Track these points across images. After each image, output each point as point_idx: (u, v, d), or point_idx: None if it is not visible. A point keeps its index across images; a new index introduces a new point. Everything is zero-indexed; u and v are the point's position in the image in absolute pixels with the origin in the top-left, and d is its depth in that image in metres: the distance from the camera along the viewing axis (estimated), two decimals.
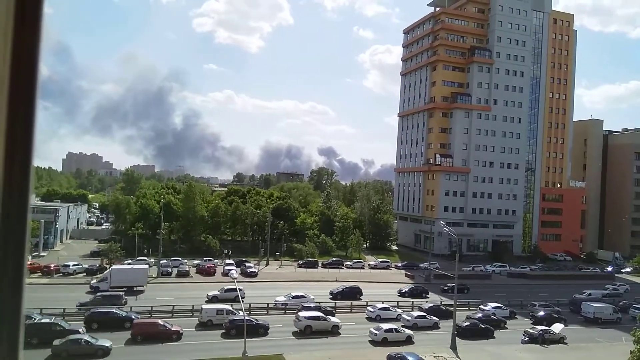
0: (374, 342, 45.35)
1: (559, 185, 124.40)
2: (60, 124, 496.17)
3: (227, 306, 49.85)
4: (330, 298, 61.06)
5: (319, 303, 55.14)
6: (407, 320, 52.13)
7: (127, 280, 61.40)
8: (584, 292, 69.45)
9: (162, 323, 43.69)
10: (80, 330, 42.03)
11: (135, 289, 60.88)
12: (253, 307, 53.06)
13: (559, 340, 49.53)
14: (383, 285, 74.48)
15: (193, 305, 51.69)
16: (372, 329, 46.77)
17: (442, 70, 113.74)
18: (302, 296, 56.90)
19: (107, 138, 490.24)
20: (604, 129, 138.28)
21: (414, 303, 60.68)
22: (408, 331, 47.62)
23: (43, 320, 42.54)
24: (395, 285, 74.66)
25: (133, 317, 45.82)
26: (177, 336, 43.22)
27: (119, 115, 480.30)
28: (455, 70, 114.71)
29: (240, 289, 55.65)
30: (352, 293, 63.09)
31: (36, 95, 1.40)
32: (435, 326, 51.95)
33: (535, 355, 44.61)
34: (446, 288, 69.22)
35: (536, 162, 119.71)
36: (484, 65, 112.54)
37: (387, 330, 46.16)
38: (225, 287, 59.27)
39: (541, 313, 57.56)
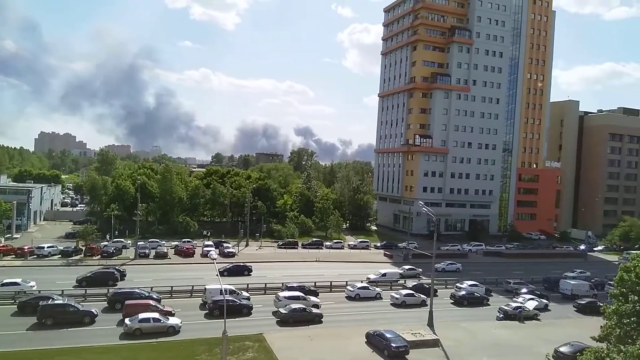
0: (395, 305, 52.36)
1: (535, 166, 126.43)
2: (29, 102, 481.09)
3: (230, 286, 49.41)
4: (74, 285, 52.25)
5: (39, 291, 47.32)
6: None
7: None
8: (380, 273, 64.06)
9: (153, 304, 43.40)
10: (93, 310, 42.47)
11: None
12: None
13: (533, 316, 50.86)
14: (361, 265, 75.06)
15: (192, 286, 51.90)
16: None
17: (423, 50, 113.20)
18: (15, 283, 49.31)
19: (77, 116, 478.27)
20: (579, 110, 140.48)
21: (398, 282, 61.72)
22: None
23: (57, 302, 42.44)
24: (374, 265, 75.37)
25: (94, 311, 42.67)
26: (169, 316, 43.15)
27: (89, 93, 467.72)
28: (436, 50, 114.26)
29: None
30: (105, 278, 54.27)
31: None
32: (423, 303, 52.93)
33: (509, 331, 45.57)
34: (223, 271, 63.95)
35: (513, 143, 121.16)
36: (464, 46, 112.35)
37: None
38: None
39: (524, 290, 59.04)
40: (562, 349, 37.58)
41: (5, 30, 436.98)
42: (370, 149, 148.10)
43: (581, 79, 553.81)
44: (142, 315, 40.04)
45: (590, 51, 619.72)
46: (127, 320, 39.74)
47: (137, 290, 47.70)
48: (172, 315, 43.11)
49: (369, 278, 62.38)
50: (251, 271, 64.68)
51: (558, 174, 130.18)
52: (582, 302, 55.76)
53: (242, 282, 55.44)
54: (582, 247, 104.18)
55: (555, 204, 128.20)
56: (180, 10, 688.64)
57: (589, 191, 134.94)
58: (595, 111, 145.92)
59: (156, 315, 40.68)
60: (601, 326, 31.97)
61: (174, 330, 40.03)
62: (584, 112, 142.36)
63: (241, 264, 66.79)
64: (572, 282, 62.82)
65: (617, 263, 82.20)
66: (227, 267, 64.44)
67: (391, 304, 52.90)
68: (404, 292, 54.82)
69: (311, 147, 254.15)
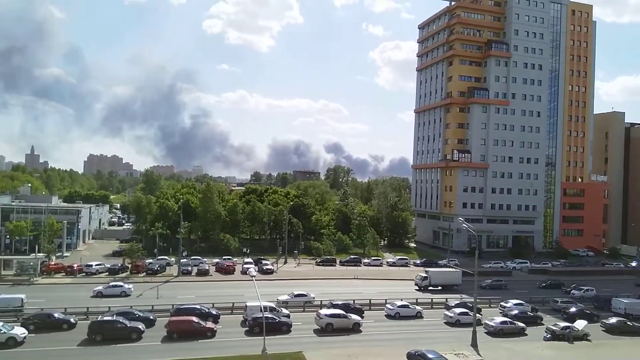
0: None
1: (580, 180, 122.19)
2: (71, 126, 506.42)
3: (271, 304, 50.09)
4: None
5: None
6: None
7: None
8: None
9: (196, 320, 44.39)
10: (140, 326, 43.07)
11: None
12: None
13: (582, 337, 48.73)
14: (401, 282, 74.17)
15: (233, 303, 52.90)
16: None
17: (459, 64, 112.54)
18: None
19: (118, 138, 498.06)
20: (625, 121, 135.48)
21: (437, 300, 60.48)
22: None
23: (106, 318, 43.91)
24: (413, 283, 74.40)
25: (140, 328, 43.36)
26: (211, 333, 44.02)
27: (129, 115, 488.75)
28: (472, 64, 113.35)
29: None
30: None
31: None
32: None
33: (556, 352, 43.91)
34: None
35: (556, 156, 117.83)
36: (502, 59, 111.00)
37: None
38: None
39: (573, 309, 56.81)
40: None
41: (50, 56, 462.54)
42: (402, 163, 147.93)
43: (623, 90, 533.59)
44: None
45: (630, 61, 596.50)
46: (322, 312, 47.94)
47: (197, 306, 49.14)
48: (214, 332, 44.05)
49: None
50: None
51: (605, 187, 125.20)
52: (609, 321, 52.81)
53: None
54: (634, 263, 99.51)
55: (603, 219, 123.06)
56: (217, 35, 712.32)
57: (639, 205, 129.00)
58: None
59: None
60: None
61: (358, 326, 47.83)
62: (630, 123, 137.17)
63: None
64: (625, 301, 59.96)
65: None
66: None
67: (444, 322, 52.22)
68: (458, 310, 53.24)
69: (341, 164, 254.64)
